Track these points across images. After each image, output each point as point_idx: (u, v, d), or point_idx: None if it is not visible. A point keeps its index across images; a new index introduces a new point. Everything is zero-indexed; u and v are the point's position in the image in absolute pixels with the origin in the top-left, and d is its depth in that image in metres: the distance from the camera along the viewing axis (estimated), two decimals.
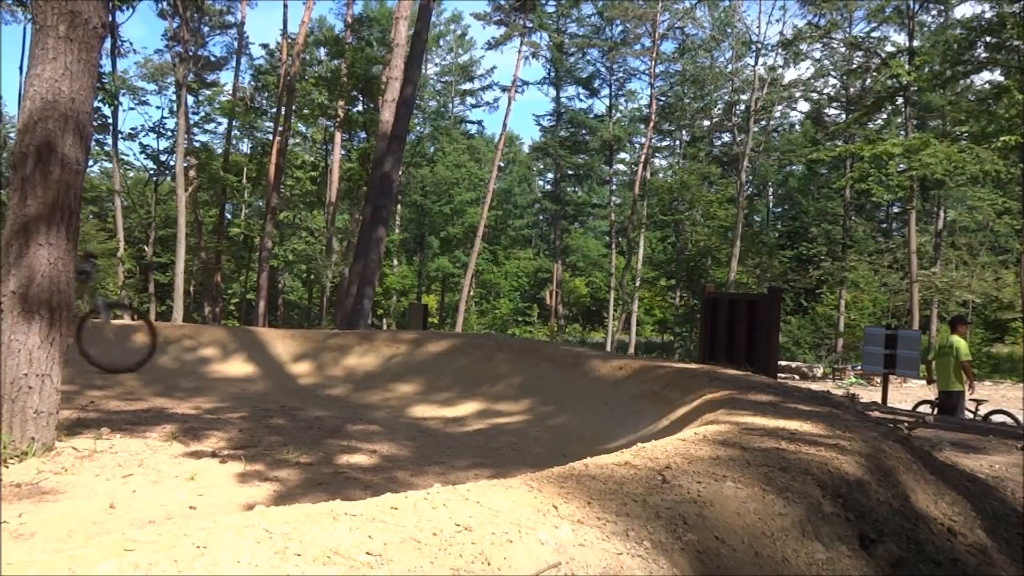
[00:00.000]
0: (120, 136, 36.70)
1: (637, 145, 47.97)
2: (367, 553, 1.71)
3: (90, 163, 39.15)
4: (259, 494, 4.59)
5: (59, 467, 4.70)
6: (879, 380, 16.59)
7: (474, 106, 55.35)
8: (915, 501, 3.53)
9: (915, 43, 32.39)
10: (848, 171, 35.78)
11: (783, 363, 27.14)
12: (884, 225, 47.54)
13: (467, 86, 53.47)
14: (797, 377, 26.78)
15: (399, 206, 45.04)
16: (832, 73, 40.69)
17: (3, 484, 4.28)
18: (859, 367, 25.51)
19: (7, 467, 4.50)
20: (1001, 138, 26.46)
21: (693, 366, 7.85)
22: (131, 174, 43.50)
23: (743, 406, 4.74)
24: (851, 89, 40.31)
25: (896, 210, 44.71)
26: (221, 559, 1.61)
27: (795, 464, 3.16)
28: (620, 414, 6.42)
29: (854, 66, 37.13)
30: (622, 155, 50.70)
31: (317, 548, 1.70)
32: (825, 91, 43.47)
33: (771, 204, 53.07)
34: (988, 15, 28.01)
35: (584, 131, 49.06)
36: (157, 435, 5.97)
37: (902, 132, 33.36)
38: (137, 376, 8.90)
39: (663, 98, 46.81)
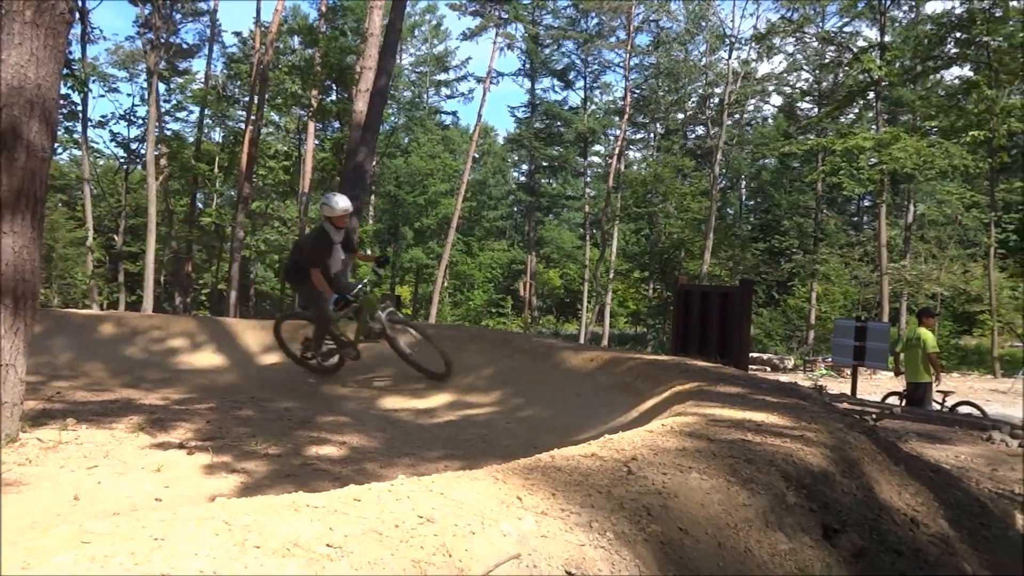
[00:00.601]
0: (90, 124, 36.33)
1: (611, 137, 48.11)
2: (327, 545, 1.71)
3: (59, 150, 38.91)
4: (226, 486, 4.56)
5: (23, 458, 4.66)
6: (849, 372, 16.78)
7: (449, 97, 55.23)
8: (879, 492, 3.57)
9: (886, 38, 32.73)
10: (820, 165, 36.12)
11: (755, 355, 27.38)
12: (855, 218, 48.00)
13: (442, 76, 53.34)
14: (768, 369, 27.02)
15: (372, 197, 44.85)
16: (805, 67, 41.03)
17: None
18: (829, 359, 25.78)
19: None
20: (970, 133, 26.89)
21: (663, 358, 7.90)
22: (101, 162, 43.07)
23: (711, 397, 4.77)
24: (823, 83, 40.69)
25: (867, 203, 45.16)
26: (179, 551, 1.59)
27: (760, 455, 3.19)
28: (591, 405, 6.44)
29: (826, 61, 37.47)
30: (596, 147, 50.87)
31: (277, 540, 1.70)
32: (798, 85, 43.84)
33: (744, 197, 53.41)
34: (958, 11, 28.36)
35: (559, 123, 49.09)
36: (124, 426, 5.92)
37: (873, 127, 33.71)
38: (105, 367, 8.82)
39: (637, 91, 46.92)
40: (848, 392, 14.02)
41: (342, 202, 8.36)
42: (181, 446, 5.43)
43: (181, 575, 1.49)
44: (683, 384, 5.54)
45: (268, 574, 1.55)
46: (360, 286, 8.55)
